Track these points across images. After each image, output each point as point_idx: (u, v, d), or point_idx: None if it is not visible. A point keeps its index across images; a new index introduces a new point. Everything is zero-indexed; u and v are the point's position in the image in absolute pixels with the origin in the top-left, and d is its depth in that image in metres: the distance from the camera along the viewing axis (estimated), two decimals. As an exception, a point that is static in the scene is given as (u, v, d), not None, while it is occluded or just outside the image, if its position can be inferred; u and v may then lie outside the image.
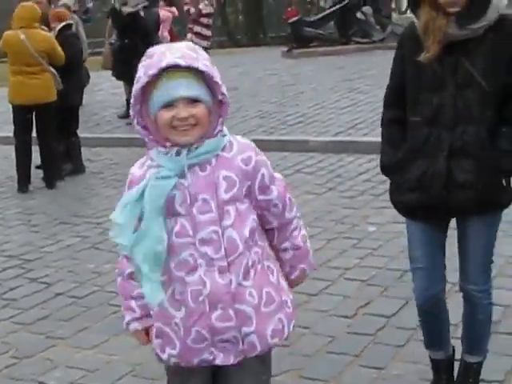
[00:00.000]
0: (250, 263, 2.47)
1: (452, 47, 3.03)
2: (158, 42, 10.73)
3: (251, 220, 2.48)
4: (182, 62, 2.28)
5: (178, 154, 2.39)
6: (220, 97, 2.38)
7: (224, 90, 2.38)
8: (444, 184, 3.12)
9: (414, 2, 3.10)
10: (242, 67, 16.85)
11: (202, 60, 2.33)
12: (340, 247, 5.93)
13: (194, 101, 2.33)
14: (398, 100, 3.29)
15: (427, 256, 3.34)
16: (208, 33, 14.36)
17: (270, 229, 2.61)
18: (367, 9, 18.91)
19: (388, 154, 3.33)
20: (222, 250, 2.42)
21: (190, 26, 14.47)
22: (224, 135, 2.44)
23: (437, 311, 3.47)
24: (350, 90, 12.58)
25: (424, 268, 3.35)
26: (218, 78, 2.35)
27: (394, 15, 21.50)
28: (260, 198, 2.51)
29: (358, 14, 18.89)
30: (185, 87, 2.31)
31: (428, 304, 3.43)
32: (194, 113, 2.33)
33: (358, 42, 18.11)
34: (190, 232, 2.42)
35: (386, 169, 3.39)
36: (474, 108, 3.06)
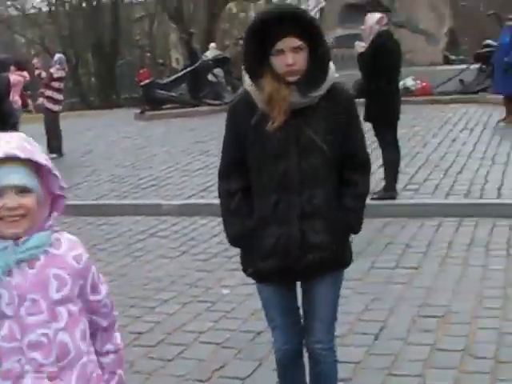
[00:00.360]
0: (87, 371, 2.33)
1: (293, 115, 3.15)
2: (9, 107, 10.64)
3: (84, 322, 2.35)
4: (22, 154, 2.17)
5: (4, 248, 2.21)
6: (58, 191, 2.29)
7: (63, 183, 2.29)
8: (299, 247, 3.21)
9: (255, 73, 3.17)
10: (95, 130, 16.80)
11: (39, 153, 2.23)
12: (194, 311, 5.96)
13: (24, 191, 2.20)
14: (237, 170, 3.32)
15: (283, 315, 3.43)
16: (60, 97, 14.24)
17: (95, 331, 2.47)
18: (218, 71, 19.31)
19: (235, 224, 3.34)
20: (53, 354, 2.24)
21: (42, 90, 14.37)
22: (54, 231, 2.31)
23: (295, 365, 3.56)
24: (202, 152, 12.71)
25: (281, 326, 3.45)
26: (56, 171, 2.25)
27: (245, 78, 21.92)
28: (91, 298, 2.39)
29: (210, 76, 19.25)
30: (15, 176, 2.18)
31: (286, 358, 3.51)
32: (24, 203, 2.20)
33: (209, 104, 18.32)
34: (18, 335, 2.22)
35: (236, 240, 3.39)
36: (319, 172, 3.20)
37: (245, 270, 3.45)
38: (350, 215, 3.32)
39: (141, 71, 27.10)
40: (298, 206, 3.20)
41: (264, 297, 3.46)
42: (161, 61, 47.72)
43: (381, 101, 8.22)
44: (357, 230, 3.40)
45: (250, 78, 3.20)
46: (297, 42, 3.11)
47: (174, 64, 52.62)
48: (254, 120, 3.20)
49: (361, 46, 8.50)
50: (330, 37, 19.58)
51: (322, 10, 21.73)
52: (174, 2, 45.15)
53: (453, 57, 19.30)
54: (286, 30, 3.08)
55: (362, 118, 8.52)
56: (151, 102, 18.81)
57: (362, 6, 18.88)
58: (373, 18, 8.52)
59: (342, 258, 3.38)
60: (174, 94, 19.14)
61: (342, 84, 3.33)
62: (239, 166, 3.31)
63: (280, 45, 3.09)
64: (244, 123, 3.24)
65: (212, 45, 24.20)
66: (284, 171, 3.19)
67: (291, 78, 3.13)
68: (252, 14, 57.71)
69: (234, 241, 3.41)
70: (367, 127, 9.30)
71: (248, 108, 3.22)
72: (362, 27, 8.76)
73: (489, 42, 17.38)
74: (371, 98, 8.33)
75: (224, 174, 3.38)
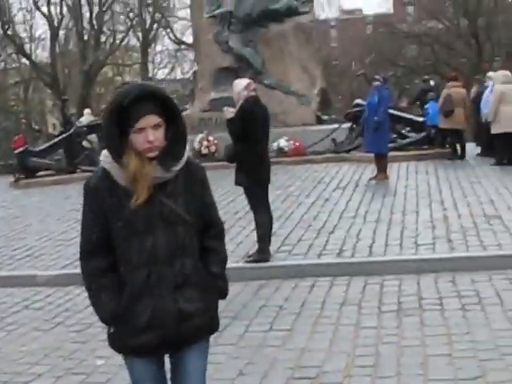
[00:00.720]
0: None
1: (155, 189, 3.24)
2: None
3: None
4: None
5: None
6: None
7: None
8: (174, 318, 3.26)
9: (116, 151, 3.23)
10: (-34, 200, 16.36)
11: None
12: (69, 384, 5.86)
13: None
14: (100, 248, 3.32)
15: None
16: None
17: None
18: (93, 137, 19.25)
19: (106, 304, 3.33)
20: None
21: None
22: None
23: None
24: (77, 220, 12.37)
25: None
26: None
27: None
28: None
29: (84, 143, 19.17)
30: None
31: None
32: None
33: (84, 171, 18.13)
34: None
35: (108, 320, 3.37)
36: (185, 242, 3.30)
37: (115, 346, 3.42)
38: (219, 281, 3.45)
39: (16, 138, 26.73)
40: (169, 277, 3.27)
41: (135, 371, 3.43)
42: (36, 127, 47.20)
43: (250, 165, 8.38)
44: (225, 295, 3.52)
45: (111, 155, 3.25)
46: (156, 120, 3.23)
47: (50, 129, 52.07)
48: (116, 198, 3.25)
49: (229, 112, 8.67)
50: (205, 99, 20.00)
51: (195, 73, 22.12)
52: (49, 67, 44.91)
53: (325, 116, 19.87)
54: (145, 108, 3.20)
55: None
56: (25, 169, 18.56)
57: (233, 69, 19.39)
58: (240, 83, 8.73)
59: (215, 324, 3.47)
60: (48, 161, 18.94)
61: (192, 157, 3.49)
62: (103, 244, 3.32)
63: (141, 123, 3.20)
64: (106, 202, 3.27)
65: (87, 110, 24.18)
66: (152, 245, 3.25)
67: (151, 154, 3.24)
68: (127, 78, 57.88)
69: (106, 322, 3.39)
70: (240, 191, 9.53)
71: (109, 186, 3.27)
72: None
73: (358, 101, 18.11)
74: (241, 162, 8.49)
75: (87, 254, 3.37)
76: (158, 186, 3.26)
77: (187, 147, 3.35)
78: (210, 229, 3.48)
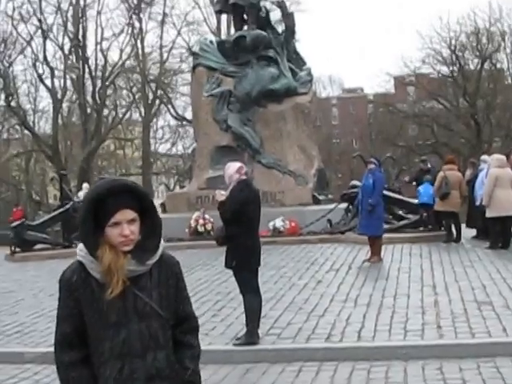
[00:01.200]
0: None
1: (129, 283, 3.30)
2: None
3: None
4: None
5: None
6: None
7: None
8: None
9: (91, 244, 3.30)
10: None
11: None
12: None
13: None
14: (75, 341, 3.36)
15: None
16: None
17: None
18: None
19: None
20: None
21: None
22: None
23: None
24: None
25: None
26: None
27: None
28: None
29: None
30: None
31: None
32: None
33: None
34: None
35: None
36: (158, 336, 3.34)
37: None
38: (192, 376, 3.47)
39: (14, 209, 26.98)
40: (142, 370, 3.31)
41: None
42: (37, 198, 47.61)
43: (240, 248, 8.48)
44: None
45: (86, 248, 3.33)
46: (132, 214, 3.31)
47: (51, 200, 52.48)
48: (90, 291, 3.31)
49: (221, 195, 8.81)
50: (202, 177, 20.23)
51: (193, 150, 22.42)
52: (50, 139, 45.46)
53: (321, 197, 20.06)
54: (121, 202, 3.28)
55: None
56: (22, 243, 18.67)
57: (232, 148, 19.69)
58: (232, 166, 8.89)
59: None
60: (45, 235, 19.06)
61: (166, 251, 3.52)
62: (77, 337, 3.36)
63: (116, 217, 3.27)
64: (81, 295, 3.33)
65: (85, 185, 24.42)
66: (126, 338, 3.30)
67: (126, 248, 3.31)
68: (129, 152, 58.50)
69: None
70: (229, 273, 9.59)
71: (83, 279, 3.33)
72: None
73: (355, 182, 18.29)
74: (231, 244, 8.60)
75: (62, 346, 3.40)
76: (132, 280, 3.32)
77: (162, 241, 3.43)
78: (184, 323, 3.51)
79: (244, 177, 8.82)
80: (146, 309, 3.33)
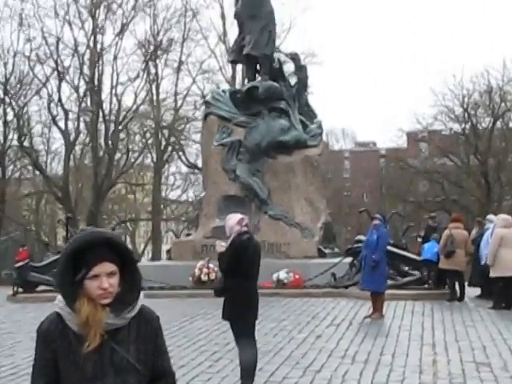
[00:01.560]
0: None
1: (107, 335, 3.29)
2: None
3: None
4: None
5: None
6: None
7: None
8: None
9: (69, 296, 3.29)
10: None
11: None
12: None
13: None
14: None
15: None
16: None
17: None
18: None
19: None
20: None
21: None
22: None
23: None
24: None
25: None
26: None
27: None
28: None
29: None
30: None
31: None
32: None
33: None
34: None
35: None
36: None
37: None
38: None
39: (20, 249, 26.97)
40: None
41: None
42: (46, 239, 47.61)
43: (238, 301, 8.46)
44: None
45: (64, 300, 3.31)
46: (111, 267, 3.29)
47: (59, 242, 52.45)
48: (68, 342, 3.29)
49: (221, 246, 8.85)
50: (209, 226, 20.31)
51: (201, 198, 22.54)
52: (61, 181, 45.69)
53: (327, 250, 20.07)
54: (100, 255, 3.26)
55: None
56: (25, 284, 18.73)
57: (239, 198, 19.80)
58: (233, 218, 8.92)
59: None
60: (48, 277, 19.06)
61: (146, 306, 3.50)
62: None
63: (96, 270, 3.26)
64: (58, 346, 3.32)
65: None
66: None
67: (105, 301, 3.28)
68: (139, 197, 58.75)
69: None
70: (226, 325, 9.58)
71: (61, 331, 3.32)
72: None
73: (360, 237, 18.32)
74: (228, 296, 8.60)
75: None
76: (109, 333, 3.30)
77: (141, 295, 3.41)
78: (161, 379, 3.47)
79: (245, 229, 8.85)
80: (122, 363, 3.30)
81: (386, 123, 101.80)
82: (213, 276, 17.95)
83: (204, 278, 18.23)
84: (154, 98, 47.78)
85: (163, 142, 48.70)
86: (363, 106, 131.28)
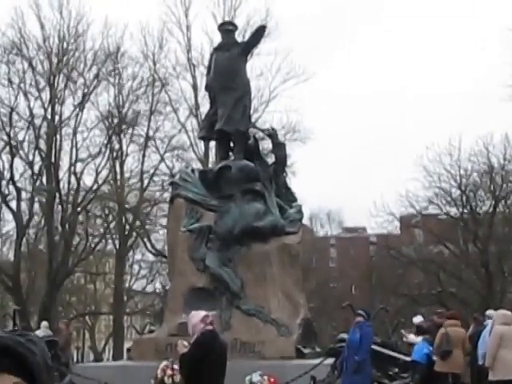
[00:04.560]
0: None
1: None
2: None
3: None
4: None
5: None
6: None
7: None
8: None
9: None
10: None
11: None
12: None
13: None
14: None
15: None
16: None
17: None
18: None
19: None
20: None
21: None
22: None
23: None
24: None
25: None
26: None
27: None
28: None
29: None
30: None
31: None
32: None
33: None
34: None
35: None
36: None
37: None
38: None
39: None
40: None
41: None
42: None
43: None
44: None
45: None
46: (12, 380, 3.06)
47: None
48: None
49: (183, 346, 8.86)
50: (174, 322, 20.05)
51: (166, 291, 22.34)
52: (11, 268, 45.00)
53: (306, 350, 19.83)
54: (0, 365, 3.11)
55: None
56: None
57: (208, 291, 19.65)
58: (197, 315, 8.97)
59: None
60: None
61: None
62: None
63: None
64: None
65: (44, 323, 24.24)
66: None
67: None
68: (100, 287, 58.14)
69: None
70: None
71: None
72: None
73: (343, 335, 18.24)
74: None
75: None
76: None
77: None
78: None
79: (210, 327, 8.88)
80: None
81: (376, 207, 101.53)
82: (177, 379, 17.66)
83: (168, 380, 17.90)
84: (118, 176, 47.77)
85: (127, 227, 48.32)
86: (351, 188, 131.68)
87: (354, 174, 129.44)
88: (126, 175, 48.46)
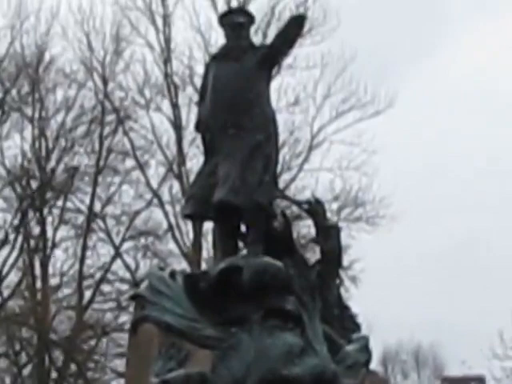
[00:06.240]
0: None
1: None
2: None
3: None
4: None
5: None
6: None
7: None
8: None
9: None
10: None
11: None
12: None
13: None
14: None
15: None
16: None
17: None
18: None
19: None
20: None
21: None
22: None
23: None
24: None
25: None
26: None
27: None
28: None
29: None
30: None
31: None
32: None
33: None
34: None
35: None
36: None
37: None
38: None
39: None
40: None
41: None
42: None
43: None
44: None
45: None
46: None
47: None
48: None
49: None
50: None
51: None
52: None
53: None
54: None
55: None
56: None
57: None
58: None
59: None
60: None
61: None
62: None
63: None
64: None
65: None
66: None
67: None
68: None
69: None
70: None
71: None
72: None
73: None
74: None
75: None
76: None
77: None
78: None
79: None
80: None
81: (503, 341, 63.00)
82: None
83: None
84: (38, 284, 36.62)
85: (52, 373, 35.58)
86: (454, 308, 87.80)
87: (457, 284, 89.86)
88: (53, 281, 37.68)
